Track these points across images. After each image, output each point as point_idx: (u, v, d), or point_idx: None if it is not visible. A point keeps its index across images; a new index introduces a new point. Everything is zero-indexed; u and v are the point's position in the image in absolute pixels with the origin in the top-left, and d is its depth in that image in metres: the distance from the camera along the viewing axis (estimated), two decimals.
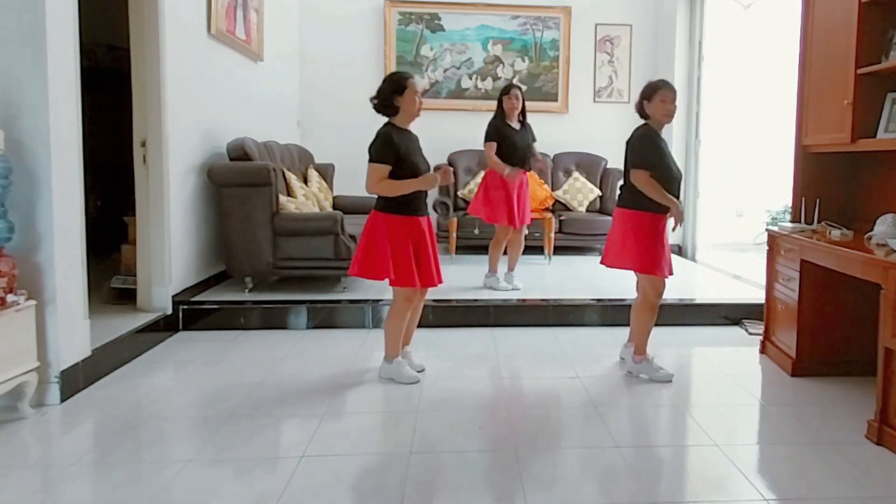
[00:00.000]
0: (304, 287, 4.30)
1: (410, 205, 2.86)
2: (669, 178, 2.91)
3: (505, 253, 4.55)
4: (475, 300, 4.09)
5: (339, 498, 1.99)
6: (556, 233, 5.52)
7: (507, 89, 4.36)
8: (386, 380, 3.02)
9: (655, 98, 2.93)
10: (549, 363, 3.29)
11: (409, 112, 2.88)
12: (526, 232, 4.65)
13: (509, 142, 4.29)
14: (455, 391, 2.89)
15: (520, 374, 3.17)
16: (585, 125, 6.43)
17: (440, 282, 3.00)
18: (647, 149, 2.90)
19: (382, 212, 2.85)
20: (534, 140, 4.42)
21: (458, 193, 5.95)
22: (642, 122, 3.02)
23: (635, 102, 3.06)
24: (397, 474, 2.12)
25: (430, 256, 2.94)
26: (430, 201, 3.26)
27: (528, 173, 4.45)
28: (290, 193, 4.41)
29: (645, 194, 2.89)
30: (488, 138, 4.33)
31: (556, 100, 6.48)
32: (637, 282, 3.09)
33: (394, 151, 2.79)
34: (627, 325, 3.24)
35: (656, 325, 3.03)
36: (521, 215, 4.39)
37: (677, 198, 2.94)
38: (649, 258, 2.92)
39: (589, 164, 6.20)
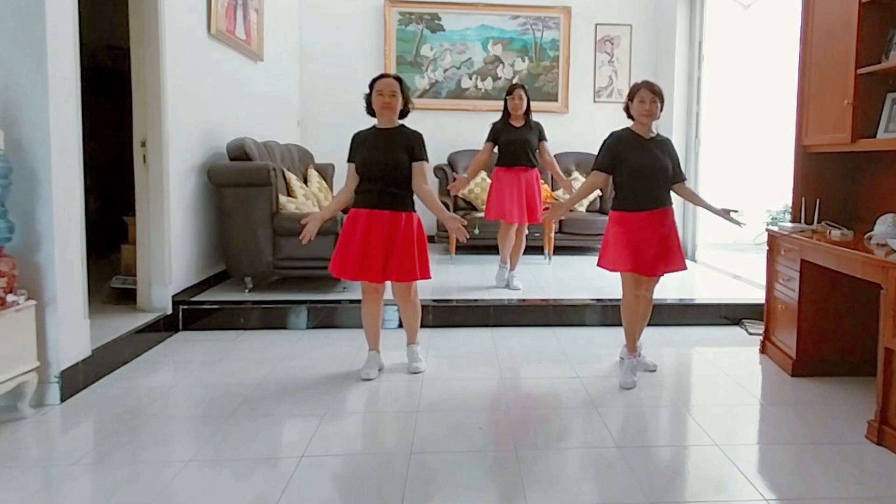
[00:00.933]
0: (304, 287, 4.30)
1: (357, 197, 3.00)
2: (630, 172, 2.97)
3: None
4: (475, 300, 4.09)
5: (340, 498, 1.99)
6: (556, 233, 5.54)
7: (511, 90, 4.42)
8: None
9: (636, 98, 2.98)
10: (549, 363, 3.29)
11: (376, 110, 2.99)
12: (526, 232, 4.67)
13: (506, 139, 4.40)
14: (455, 391, 2.89)
15: (520, 374, 3.17)
16: (585, 125, 6.43)
17: (395, 279, 2.95)
18: (599, 151, 3.06)
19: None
20: (542, 139, 4.45)
21: (458, 193, 5.94)
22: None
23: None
24: (397, 474, 2.12)
25: (378, 251, 2.89)
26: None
27: (534, 171, 4.46)
28: (290, 193, 4.41)
29: (616, 193, 3.06)
30: (486, 140, 4.49)
31: (556, 100, 6.49)
32: None
33: (353, 149, 3.01)
34: None
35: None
36: (523, 212, 4.40)
37: (649, 190, 2.96)
38: (603, 251, 3.09)
39: (589, 164, 6.15)
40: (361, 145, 2.99)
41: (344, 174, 3.07)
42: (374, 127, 3.03)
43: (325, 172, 5.43)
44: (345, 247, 2.94)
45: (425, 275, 3.00)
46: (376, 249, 2.90)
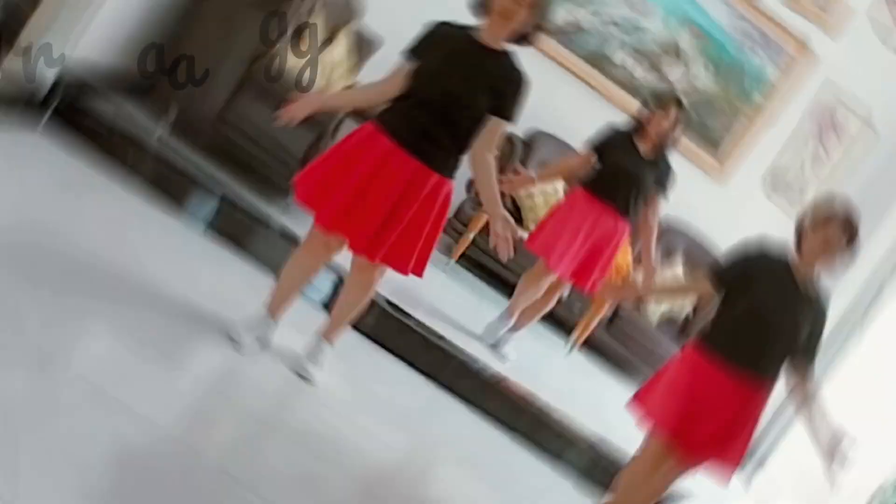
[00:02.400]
0: (237, 174, 4.28)
1: (388, 114, 2.97)
2: (749, 306, 3.02)
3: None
4: (440, 336, 4.05)
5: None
6: (602, 320, 5.48)
7: (664, 102, 4.41)
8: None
9: (821, 229, 2.97)
10: (482, 485, 3.32)
11: (489, 10, 2.89)
12: (565, 294, 4.66)
13: (615, 161, 4.35)
14: (339, 435, 2.95)
15: (435, 474, 3.20)
16: (731, 212, 6.33)
17: (382, 259, 2.94)
18: (729, 256, 3.30)
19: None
20: (661, 188, 4.42)
21: (512, 192, 5.85)
22: None
23: None
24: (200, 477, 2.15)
25: (381, 207, 2.88)
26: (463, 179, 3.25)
27: (625, 222, 4.43)
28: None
29: (713, 320, 3.20)
30: (588, 144, 4.45)
31: (714, 154, 6.28)
32: None
33: (423, 44, 2.96)
34: None
35: None
36: (577, 265, 4.36)
37: (760, 343, 3.01)
38: (650, 387, 3.22)
39: (702, 260, 6.14)
40: (438, 47, 2.91)
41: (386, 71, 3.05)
42: (470, 29, 2.97)
43: (365, 46, 5.36)
44: (334, 174, 2.92)
45: (418, 270, 3.03)
46: (379, 204, 2.88)
